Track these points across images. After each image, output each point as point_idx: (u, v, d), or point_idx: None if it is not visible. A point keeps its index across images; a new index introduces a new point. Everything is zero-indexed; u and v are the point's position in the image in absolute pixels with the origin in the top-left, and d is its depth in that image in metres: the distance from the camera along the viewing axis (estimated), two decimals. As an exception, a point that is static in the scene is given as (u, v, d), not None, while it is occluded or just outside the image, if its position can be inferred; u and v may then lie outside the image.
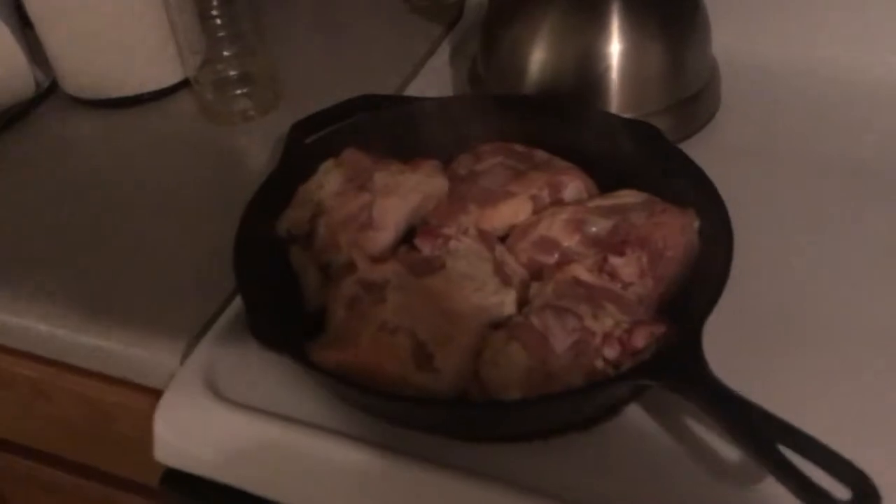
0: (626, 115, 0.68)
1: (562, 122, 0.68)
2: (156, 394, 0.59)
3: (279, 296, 0.60)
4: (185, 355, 0.60)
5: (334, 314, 0.56)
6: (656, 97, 0.74)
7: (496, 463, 0.52)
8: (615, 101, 0.73)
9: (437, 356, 0.53)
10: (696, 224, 0.59)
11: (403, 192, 0.64)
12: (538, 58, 0.74)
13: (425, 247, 0.61)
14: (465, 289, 0.57)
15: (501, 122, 0.70)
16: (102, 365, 0.63)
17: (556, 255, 0.60)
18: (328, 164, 0.67)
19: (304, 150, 0.68)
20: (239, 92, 0.82)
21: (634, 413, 0.54)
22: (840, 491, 0.43)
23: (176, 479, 0.58)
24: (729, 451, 0.51)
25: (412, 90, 0.85)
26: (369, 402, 0.53)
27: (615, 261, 0.58)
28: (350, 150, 0.68)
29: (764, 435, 0.45)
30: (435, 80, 0.87)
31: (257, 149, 0.79)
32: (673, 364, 0.49)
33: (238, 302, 0.63)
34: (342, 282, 0.58)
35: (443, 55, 0.91)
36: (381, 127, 0.70)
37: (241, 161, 0.79)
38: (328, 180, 0.65)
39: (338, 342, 0.54)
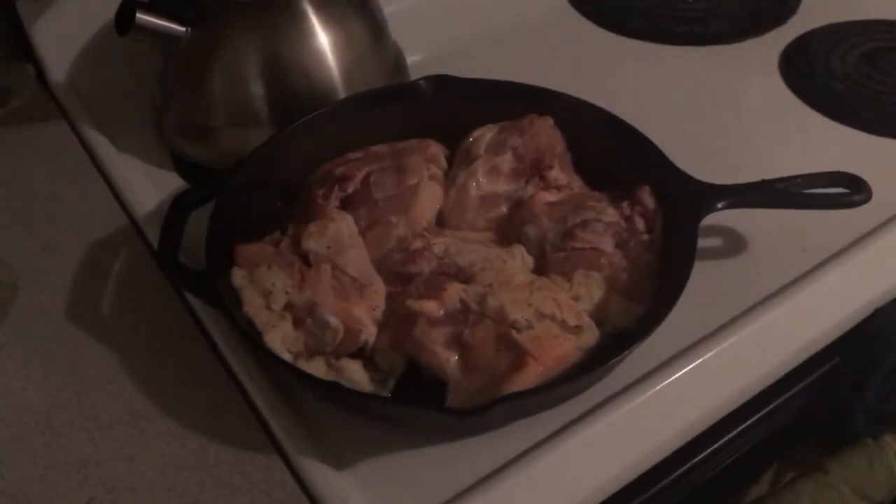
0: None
1: (371, 116, 0.68)
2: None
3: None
4: None
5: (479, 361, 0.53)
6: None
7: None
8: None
9: (568, 319, 0.54)
10: (552, 121, 0.68)
11: (348, 242, 0.59)
12: (260, 87, 0.70)
13: (422, 266, 0.58)
14: (511, 266, 0.58)
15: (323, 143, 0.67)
16: None
17: (502, 202, 0.64)
18: (240, 277, 0.57)
19: (185, 275, 0.56)
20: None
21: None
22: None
23: None
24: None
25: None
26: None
27: (552, 174, 0.65)
28: (239, 248, 0.58)
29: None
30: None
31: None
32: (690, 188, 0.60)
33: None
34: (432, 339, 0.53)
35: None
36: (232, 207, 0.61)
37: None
38: (270, 285, 0.56)
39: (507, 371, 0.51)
